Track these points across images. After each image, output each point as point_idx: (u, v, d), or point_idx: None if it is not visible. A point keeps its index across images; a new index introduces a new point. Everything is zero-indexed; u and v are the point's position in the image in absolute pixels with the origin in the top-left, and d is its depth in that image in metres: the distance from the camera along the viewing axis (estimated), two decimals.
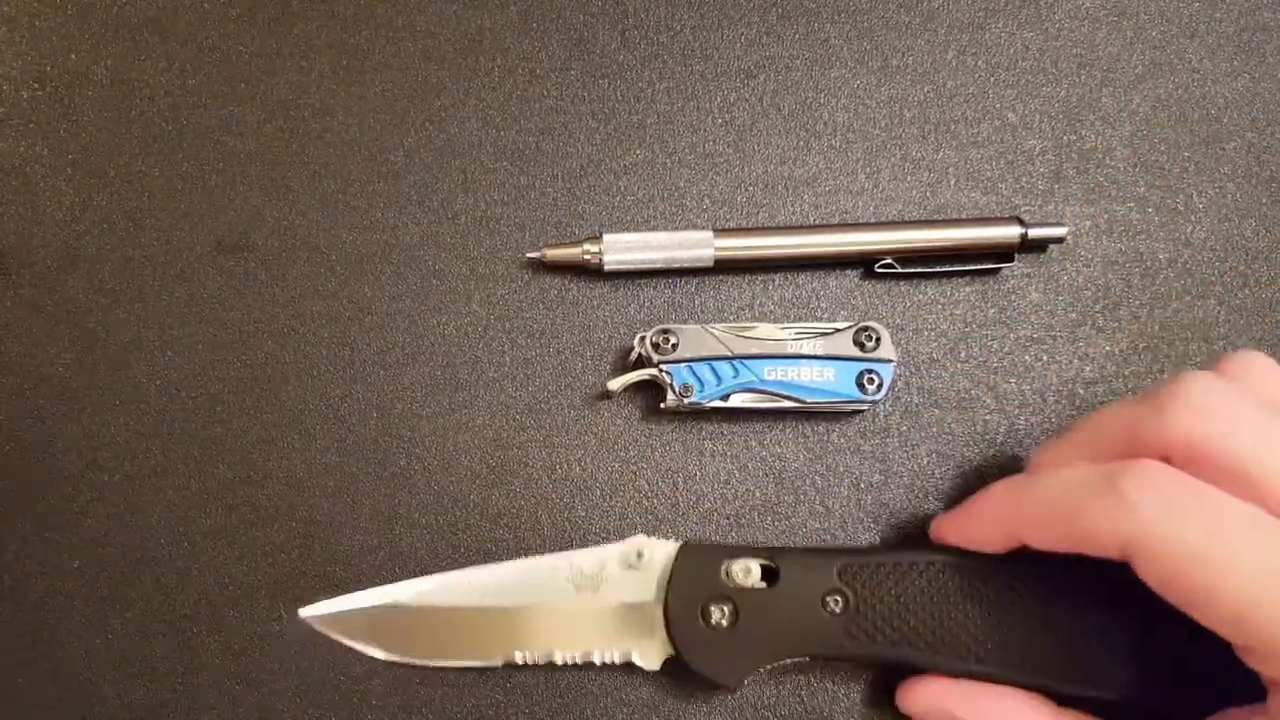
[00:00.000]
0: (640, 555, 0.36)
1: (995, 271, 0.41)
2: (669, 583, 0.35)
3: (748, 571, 0.35)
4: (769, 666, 0.35)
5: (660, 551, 0.36)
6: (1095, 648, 0.33)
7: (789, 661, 0.35)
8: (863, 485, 0.40)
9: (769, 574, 0.35)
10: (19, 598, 0.39)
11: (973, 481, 0.40)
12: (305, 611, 0.38)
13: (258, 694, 0.38)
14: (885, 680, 0.37)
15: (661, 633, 0.36)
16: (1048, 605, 0.34)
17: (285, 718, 0.38)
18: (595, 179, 0.42)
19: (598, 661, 0.37)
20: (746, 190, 0.42)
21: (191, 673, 0.38)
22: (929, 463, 0.40)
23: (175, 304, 0.41)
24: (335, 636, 0.38)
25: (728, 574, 0.35)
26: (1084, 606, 0.34)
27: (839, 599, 0.35)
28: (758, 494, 0.40)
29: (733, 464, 0.40)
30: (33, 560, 0.39)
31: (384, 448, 0.40)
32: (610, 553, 0.37)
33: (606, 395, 0.40)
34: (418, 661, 0.37)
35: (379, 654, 0.37)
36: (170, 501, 0.39)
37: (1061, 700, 0.34)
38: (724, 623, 0.35)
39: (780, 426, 0.40)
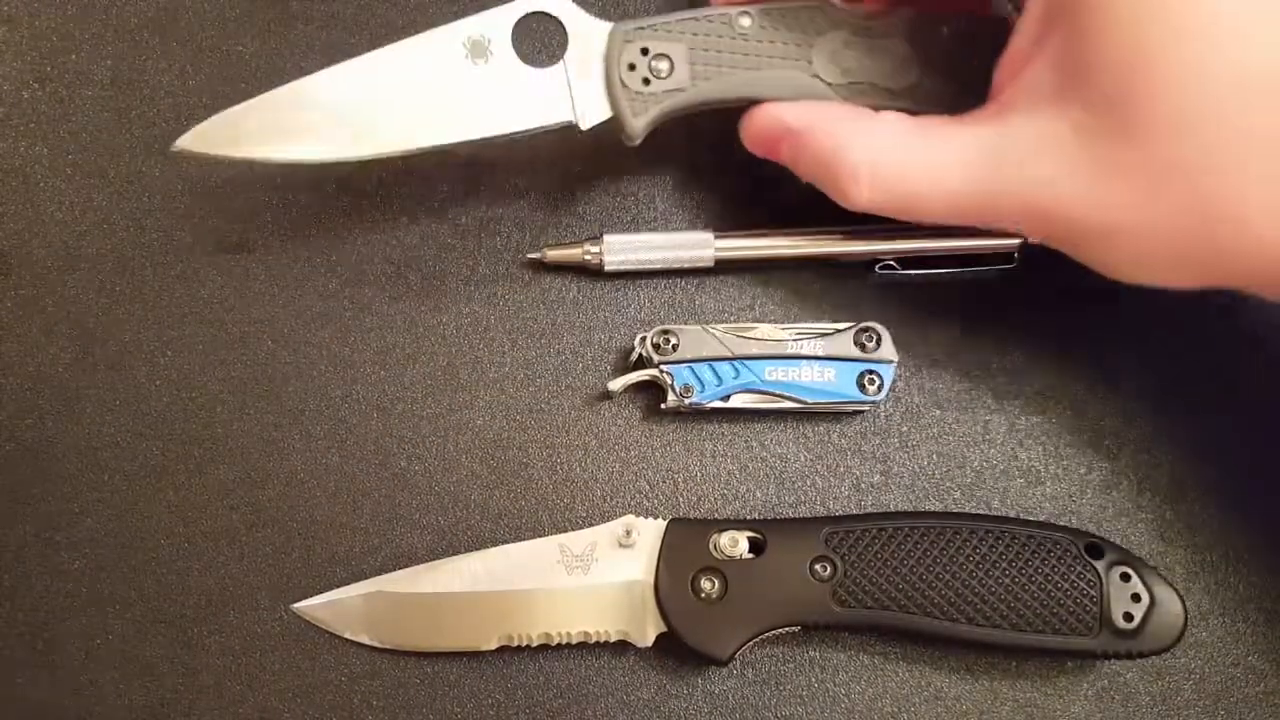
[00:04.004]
0: (630, 533, 0.37)
1: (996, 272, 0.41)
2: (659, 557, 0.36)
3: (735, 543, 0.36)
4: (761, 637, 0.36)
5: (650, 529, 0.37)
6: (1071, 602, 0.35)
7: (782, 631, 0.36)
8: (863, 486, 0.40)
9: (757, 547, 0.37)
10: (19, 598, 0.39)
11: (973, 482, 0.40)
12: (297, 606, 0.38)
13: (257, 694, 0.38)
14: (878, 653, 0.38)
15: (653, 608, 0.36)
16: (1028, 563, 0.35)
17: (285, 718, 0.38)
18: (595, 179, 0.42)
19: (592, 641, 0.37)
20: (747, 190, 0.42)
21: (191, 673, 0.38)
22: (929, 463, 0.40)
23: (175, 304, 0.41)
24: (328, 629, 0.38)
25: (716, 546, 0.36)
26: (1058, 565, 0.35)
27: (826, 565, 0.36)
28: (758, 494, 0.40)
29: (734, 465, 0.40)
30: (33, 560, 0.39)
31: (384, 448, 0.40)
32: (600, 533, 0.37)
33: (607, 396, 0.40)
34: (412, 648, 0.38)
35: (373, 643, 0.38)
36: (170, 501, 0.39)
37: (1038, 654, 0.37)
38: (714, 594, 0.36)
39: (781, 427, 0.40)
